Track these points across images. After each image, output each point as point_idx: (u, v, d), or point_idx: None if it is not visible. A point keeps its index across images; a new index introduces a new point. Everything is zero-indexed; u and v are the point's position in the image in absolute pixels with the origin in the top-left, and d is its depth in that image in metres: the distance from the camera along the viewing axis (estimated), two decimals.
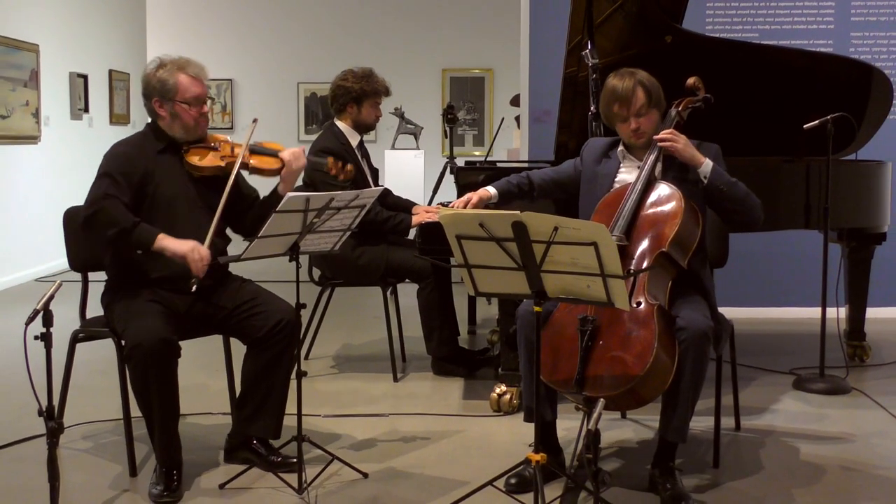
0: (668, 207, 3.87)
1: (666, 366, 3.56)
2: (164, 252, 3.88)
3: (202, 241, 3.92)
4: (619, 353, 3.56)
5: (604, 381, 3.53)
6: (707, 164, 3.94)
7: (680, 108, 4.22)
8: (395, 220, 5.44)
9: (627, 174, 4.10)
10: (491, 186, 4.27)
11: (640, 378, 3.48)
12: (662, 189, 3.93)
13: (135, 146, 4.12)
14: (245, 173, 4.21)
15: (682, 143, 3.94)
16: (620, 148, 4.16)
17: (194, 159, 4.12)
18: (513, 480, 3.78)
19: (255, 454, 4.10)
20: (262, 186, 4.23)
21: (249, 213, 4.26)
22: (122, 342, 3.84)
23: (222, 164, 4.12)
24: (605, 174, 4.17)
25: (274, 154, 4.22)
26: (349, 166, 4.53)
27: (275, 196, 4.22)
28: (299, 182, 5.58)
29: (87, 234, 4.05)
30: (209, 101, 4.19)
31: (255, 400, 4.09)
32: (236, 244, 3.92)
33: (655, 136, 4.00)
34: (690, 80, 4.35)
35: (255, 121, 4.20)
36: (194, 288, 3.85)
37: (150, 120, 4.21)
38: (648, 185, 3.95)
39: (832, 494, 3.91)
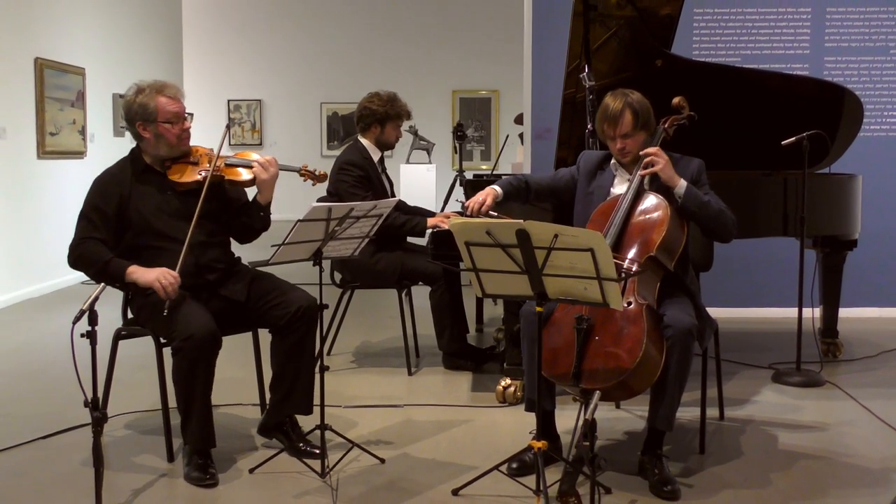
0: (655, 215, 3.88)
1: (654, 359, 3.57)
2: (135, 283, 3.90)
3: (174, 260, 3.91)
4: (612, 349, 3.57)
5: (598, 374, 3.54)
6: (681, 186, 3.94)
7: (666, 125, 4.22)
8: (412, 223, 5.46)
9: (620, 186, 4.10)
10: (497, 186, 4.24)
11: (630, 371, 3.49)
12: (650, 199, 3.93)
13: (112, 175, 4.11)
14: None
15: (662, 165, 3.93)
16: (613, 161, 4.17)
17: (175, 175, 4.10)
18: (514, 465, 3.79)
19: (286, 437, 4.11)
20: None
21: (236, 220, 4.26)
22: (172, 335, 3.81)
23: (200, 178, 4.09)
24: (600, 186, 4.17)
25: (247, 165, 4.19)
26: (320, 171, 4.48)
27: (254, 204, 4.23)
28: (323, 192, 5.64)
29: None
30: (189, 118, 4.15)
31: (286, 382, 4.09)
32: (262, 248, 3.92)
33: (642, 153, 4.00)
34: (676, 100, 4.36)
35: (227, 126, 4.17)
36: (166, 312, 3.80)
37: (134, 145, 4.21)
38: (638, 196, 3.95)
39: (807, 478, 3.90)
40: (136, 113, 4.06)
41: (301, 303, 4.04)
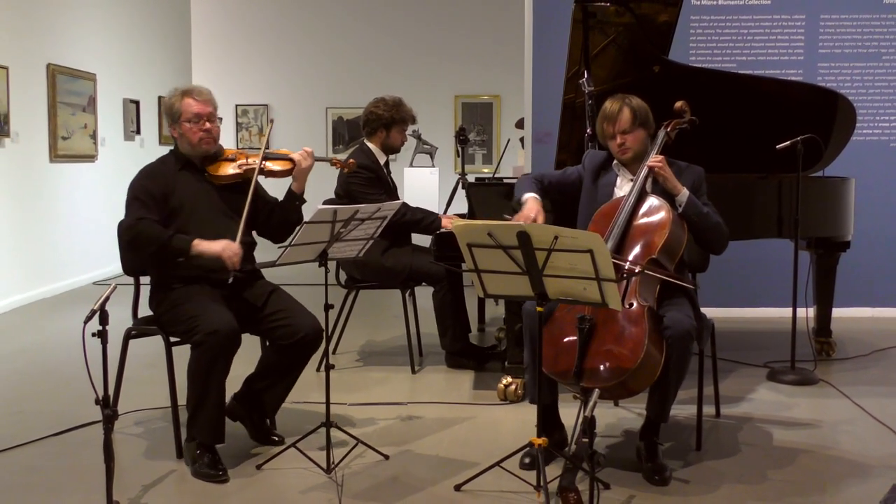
0: (657, 218, 3.87)
1: (655, 360, 3.57)
2: (201, 255, 3.94)
3: (231, 237, 3.99)
4: (614, 349, 3.56)
5: (599, 373, 3.53)
6: (683, 195, 3.95)
7: (668, 129, 4.21)
8: (429, 220, 5.46)
9: (624, 186, 4.11)
10: (534, 194, 4.12)
11: (631, 371, 3.49)
12: (652, 201, 3.93)
13: (156, 168, 4.19)
14: (261, 177, 4.21)
15: (666, 174, 3.95)
16: (615, 162, 4.17)
17: (214, 170, 4.17)
18: (527, 460, 3.81)
19: (248, 424, 4.23)
20: (279, 192, 4.29)
21: (272, 218, 4.30)
22: (195, 329, 3.80)
23: (240, 171, 4.16)
24: (604, 184, 4.18)
25: (286, 158, 4.27)
26: (350, 160, 4.57)
27: (290, 195, 4.28)
28: (324, 195, 5.64)
29: (133, 254, 4.17)
30: (219, 120, 4.22)
31: (259, 385, 4.17)
32: (269, 250, 3.93)
33: (647, 163, 4.00)
34: (678, 104, 4.35)
35: (271, 121, 4.28)
36: (231, 279, 3.92)
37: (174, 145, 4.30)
38: (640, 198, 3.95)
39: (802, 474, 3.90)
40: (166, 113, 4.20)
41: (307, 332, 4.04)
